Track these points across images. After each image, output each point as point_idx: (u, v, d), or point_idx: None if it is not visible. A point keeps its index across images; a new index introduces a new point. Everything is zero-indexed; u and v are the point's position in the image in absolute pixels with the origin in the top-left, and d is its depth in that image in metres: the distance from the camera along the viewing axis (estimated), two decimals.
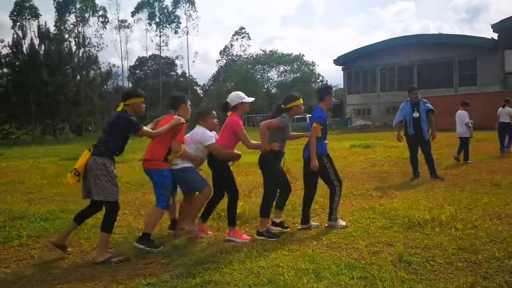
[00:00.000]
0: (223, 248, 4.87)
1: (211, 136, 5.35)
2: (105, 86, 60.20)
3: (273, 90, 68.55)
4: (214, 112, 5.77)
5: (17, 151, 26.48)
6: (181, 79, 78.56)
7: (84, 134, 51.50)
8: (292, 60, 66.59)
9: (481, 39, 40.63)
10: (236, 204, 5.49)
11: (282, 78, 67.68)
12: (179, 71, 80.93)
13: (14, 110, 47.37)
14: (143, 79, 76.70)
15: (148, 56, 76.19)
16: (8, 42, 50.10)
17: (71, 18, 59.09)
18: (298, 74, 66.09)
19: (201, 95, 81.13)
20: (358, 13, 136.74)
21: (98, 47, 61.54)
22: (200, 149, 5.35)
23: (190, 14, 68.29)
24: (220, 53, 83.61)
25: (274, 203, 5.61)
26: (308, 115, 32.85)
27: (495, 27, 38.48)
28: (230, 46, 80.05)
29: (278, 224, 5.65)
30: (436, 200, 6.81)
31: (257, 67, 67.31)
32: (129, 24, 68.37)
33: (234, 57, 78.67)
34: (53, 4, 57.80)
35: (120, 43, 69.14)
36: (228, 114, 5.59)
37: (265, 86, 68.54)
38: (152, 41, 72.84)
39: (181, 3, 67.60)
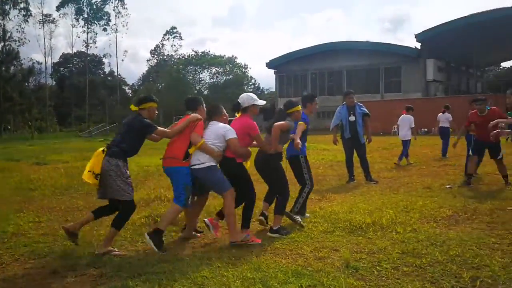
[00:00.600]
0: (162, 258, 4.55)
1: (233, 131, 5.12)
2: (27, 84, 56.73)
3: (205, 92, 68.00)
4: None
5: None
6: (108, 78, 75.90)
7: (4, 134, 48.12)
8: (225, 62, 66.34)
9: (405, 48, 42.63)
10: (253, 207, 5.35)
11: (214, 80, 67.23)
12: (107, 70, 78.19)
13: None
14: (67, 76, 73.20)
15: (73, 53, 72.81)
16: None
17: None
18: (230, 76, 65.97)
19: (130, 95, 78.83)
20: (288, 18, 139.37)
21: (19, 42, 57.85)
22: (218, 145, 5.08)
23: (119, 11, 66.21)
24: (151, 52, 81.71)
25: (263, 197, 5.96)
26: None
27: (418, 37, 40.53)
28: (161, 45, 78.51)
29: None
30: (374, 203, 6.87)
31: (189, 68, 66.32)
32: (54, 19, 64.96)
33: (165, 57, 77.19)
34: None
35: (44, 38, 65.11)
36: (237, 115, 5.52)
37: (197, 88, 67.75)
38: (79, 37, 69.59)
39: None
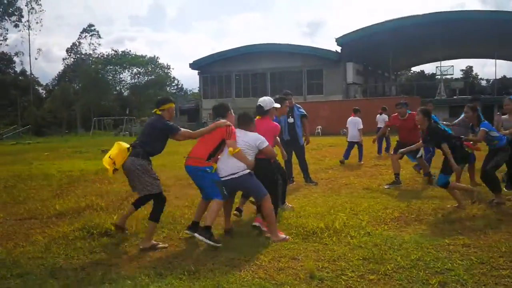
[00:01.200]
0: (105, 275, 4.05)
1: (265, 140, 5.34)
2: None
3: (126, 93, 65.82)
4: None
5: None
6: (20, 78, 70.99)
7: None
8: (146, 62, 64.49)
9: (326, 51, 43.76)
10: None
11: (135, 80, 65.16)
12: (18, 69, 73.06)
13: None
14: None
15: None
16: None
17: None
18: (152, 77, 64.31)
19: (44, 95, 74.32)
20: (208, 20, 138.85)
21: None
22: (250, 154, 5.27)
23: (32, 6, 61.96)
24: (67, 51, 77.14)
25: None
26: None
27: (338, 41, 41.78)
28: (78, 44, 74.68)
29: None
30: (321, 206, 6.72)
31: (108, 67, 63.70)
32: None
33: (83, 56, 73.56)
34: None
35: None
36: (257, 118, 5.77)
37: (117, 88, 65.41)
38: None
39: None
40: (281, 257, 4.46)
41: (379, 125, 14.88)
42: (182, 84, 74.63)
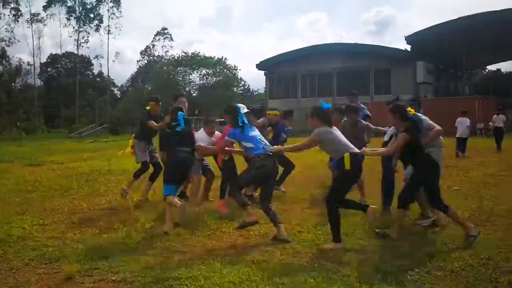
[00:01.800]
0: (182, 262, 4.37)
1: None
2: (14, 84, 55.77)
3: (194, 94, 67.63)
4: None
5: None
6: (97, 79, 75.09)
7: None
8: (214, 64, 65.92)
9: (395, 50, 42.76)
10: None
11: (203, 81, 66.81)
12: (96, 71, 77.31)
13: None
14: (55, 77, 72.17)
15: (62, 54, 71.81)
16: None
17: None
18: (220, 78, 65.63)
19: (119, 96, 78.09)
20: (274, 20, 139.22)
21: (9, 42, 56.87)
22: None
23: (113, 12, 65.20)
24: (141, 53, 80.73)
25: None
26: None
27: (408, 39, 40.68)
28: (151, 46, 77.74)
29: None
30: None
31: (178, 69, 65.82)
32: (42, 18, 63.90)
33: (155, 58, 76.50)
34: None
35: (32, 38, 64.18)
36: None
37: (186, 89, 67.30)
38: (71, 36, 68.18)
39: (105, 0, 64.40)
40: (347, 251, 4.58)
41: (497, 125, 16.30)
42: (248, 85, 75.45)
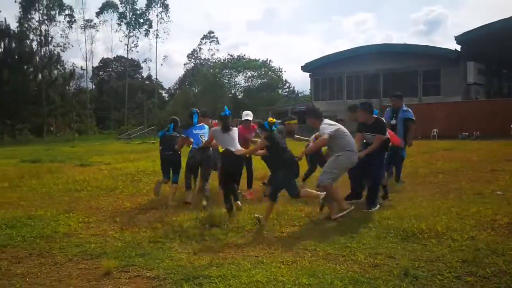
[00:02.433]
0: (213, 261, 4.51)
1: None
2: (68, 87, 58.26)
3: (240, 96, 68.22)
4: None
5: None
6: (146, 82, 77.17)
7: (46, 135, 49.53)
8: (260, 66, 66.36)
9: (444, 50, 41.54)
10: None
11: (249, 84, 67.37)
12: (145, 74, 79.54)
13: None
14: (106, 81, 74.80)
15: (113, 58, 74.41)
16: None
17: (36, 16, 57.03)
18: (265, 80, 65.98)
19: (167, 99, 79.92)
20: (320, 21, 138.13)
21: (63, 47, 59.59)
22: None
23: (162, 17, 67.00)
24: (188, 56, 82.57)
25: None
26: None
27: (458, 39, 39.41)
28: (198, 49, 79.21)
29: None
30: (425, 209, 6.64)
31: (224, 71, 66.71)
32: (95, 24, 66.49)
33: (202, 61, 77.89)
34: (15, 1, 55.53)
35: (85, 43, 67.03)
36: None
37: (232, 91, 68.05)
38: (121, 41, 70.89)
39: (154, 6, 66.29)
40: (377, 255, 4.58)
41: None
42: (293, 87, 75.34)
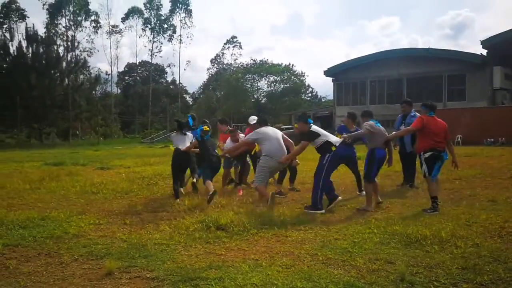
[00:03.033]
0: (213, 263, 4.58)
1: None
2: (93, 92, 59.53)
3: (263, 100, 68.43)
4: None
5: (1, 155, 25.87)
6: (171, 86, 78.17)
7: (71, 139, 50.71)
8: (282, 70, 66.51)
9: (470, 54, 40.84)
10: None
11: (271, 88, 67.56)
12: (169, 79, 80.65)
13: None
14: (132, 85, 76.09)
15: (137, 63, 75.71)
16: None
17: (63, 22, 58.61)
18: (288, 85, 66.04)
19: (190, 103, 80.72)
20: (345, 26, 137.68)
21: (89, 52, 61.02)
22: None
23: (185, 22, 67.88)
24: (211, 61, 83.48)
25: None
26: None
27: (484, 44, 38.74)
28: (221, 54, 79.90)
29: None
30: (433, 216, 6.58)
31: (247, 76, 67.08)
32: (120, 29, 67.81)
33: (225, 66, 78.53)
34: (43, 7, 57.26)
35: (110, 48, 68.61)
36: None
37: (255, 96, 68.32)
38: (145, 46, 72.42)
39: (177, 11, 67.26)
40: (376, 260, 4.58)
41: None
42: (316, 92, 75.19)
